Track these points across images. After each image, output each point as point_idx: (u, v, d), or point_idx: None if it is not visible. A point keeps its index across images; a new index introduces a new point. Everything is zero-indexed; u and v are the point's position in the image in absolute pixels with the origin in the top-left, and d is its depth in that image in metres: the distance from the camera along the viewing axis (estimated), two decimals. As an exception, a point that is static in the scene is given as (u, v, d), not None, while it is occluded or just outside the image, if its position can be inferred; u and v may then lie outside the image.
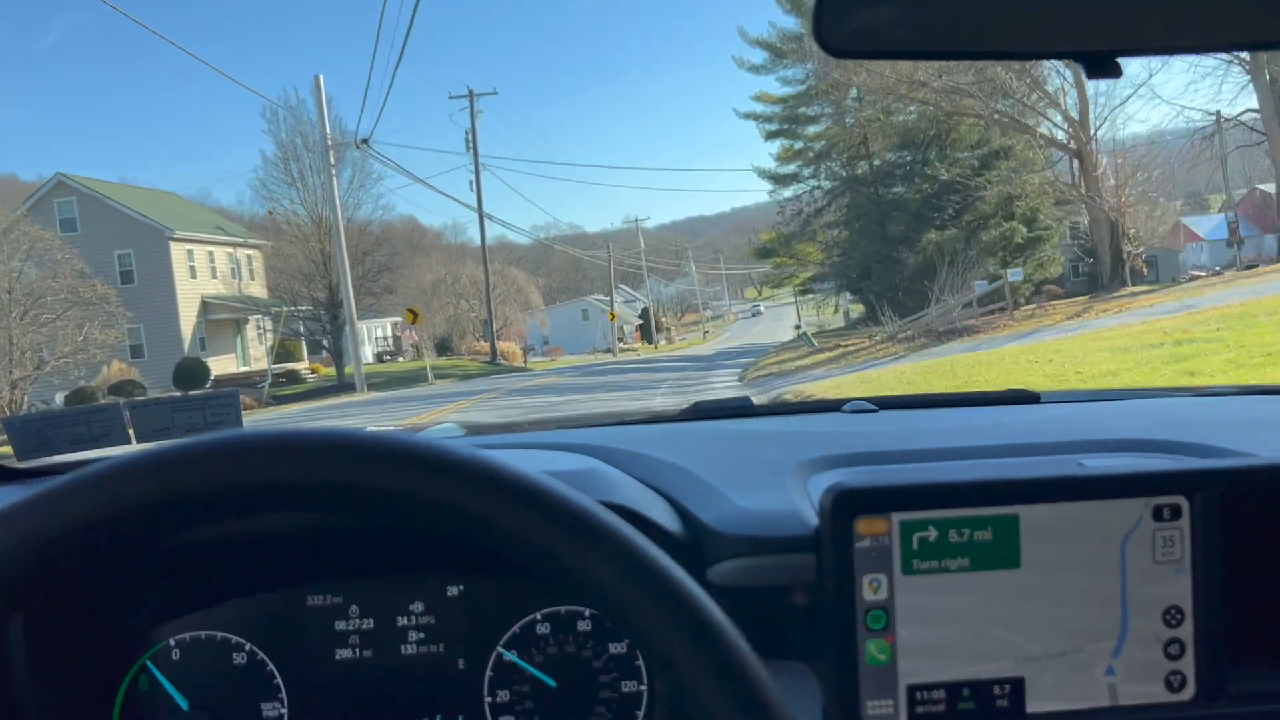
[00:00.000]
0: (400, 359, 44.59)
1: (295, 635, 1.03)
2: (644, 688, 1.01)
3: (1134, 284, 29.30)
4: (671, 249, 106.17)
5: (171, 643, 1.02)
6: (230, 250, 40.35)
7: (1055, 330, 18.53)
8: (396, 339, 48.43)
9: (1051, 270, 31.88)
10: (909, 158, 33.95)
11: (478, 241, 43.90)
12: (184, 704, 1.00)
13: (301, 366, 38.11)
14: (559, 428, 1.57)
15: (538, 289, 66.38)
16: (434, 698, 1.02)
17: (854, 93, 35.49)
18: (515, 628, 1.02)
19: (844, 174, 37.31)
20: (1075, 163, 31.17)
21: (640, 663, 1.02)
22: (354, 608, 1.03)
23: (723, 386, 19.67)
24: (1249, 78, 28.42)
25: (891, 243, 32.36)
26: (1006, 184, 30.84)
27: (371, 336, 47.64)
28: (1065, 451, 1.11)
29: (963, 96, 29.62)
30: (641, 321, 71.65)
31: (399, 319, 41.01)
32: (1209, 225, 47.19)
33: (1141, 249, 31.83)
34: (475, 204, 41.71)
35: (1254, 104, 28.60)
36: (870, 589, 0.82)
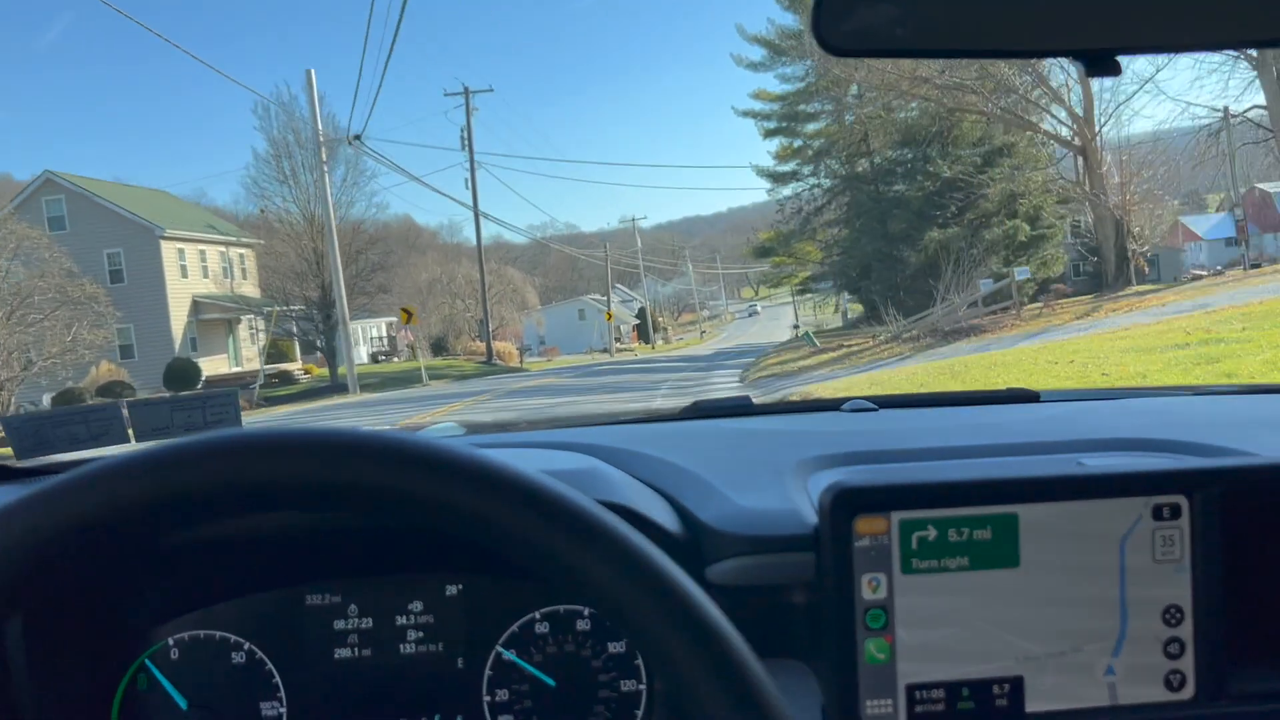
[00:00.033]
0: (395, 359, 44.23)
1: (294, 634, 1.02)
2: (643, 687, 1.01)
3: (1138, 283, 29.01)
4: (668, 249, 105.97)
5: (170, 642, 1.02)
6: (222, 249, 39.87)
7: (1064, 330, 18.21)
8: (392, 339, 48.06)
9: (1054, 269, 31.61)
10: (910, 155, 33.68)
11: (474, 241, 43.52)
12: (183, 703, 1.01)
13: (295, 367, 37.73)
14: (558, 426, 1.56)
15: (534, 289, 65.94)
16: (433, 697, 1.02)
17: (854, 89, 35.19)
18: (514, 627, 1.02)
19: (844, 172, 37.06)
20: (1079, 160, 30.88)
21: (639, 662, 1.01)
22: (353, 607, 1.03)
23: (724, 388, 19.29)
24: (1255, 73, 28.11)
25: (893, 241, 32.06)
26: (1009, 181, 30.55)
27: (366, 336, 47.28)
28: (1065, 450, 1.10)
29: (965, 93, 29.34)
30: (638, 321, 71.45)
31: (394, 319, 40.55)
32: (1207, 225, 47.05)
33: (1147, 247, 31.54)
34: (471, 202, 41.36)
35: (1261, 100, 28.28)
36: (869, 588, 0.82)
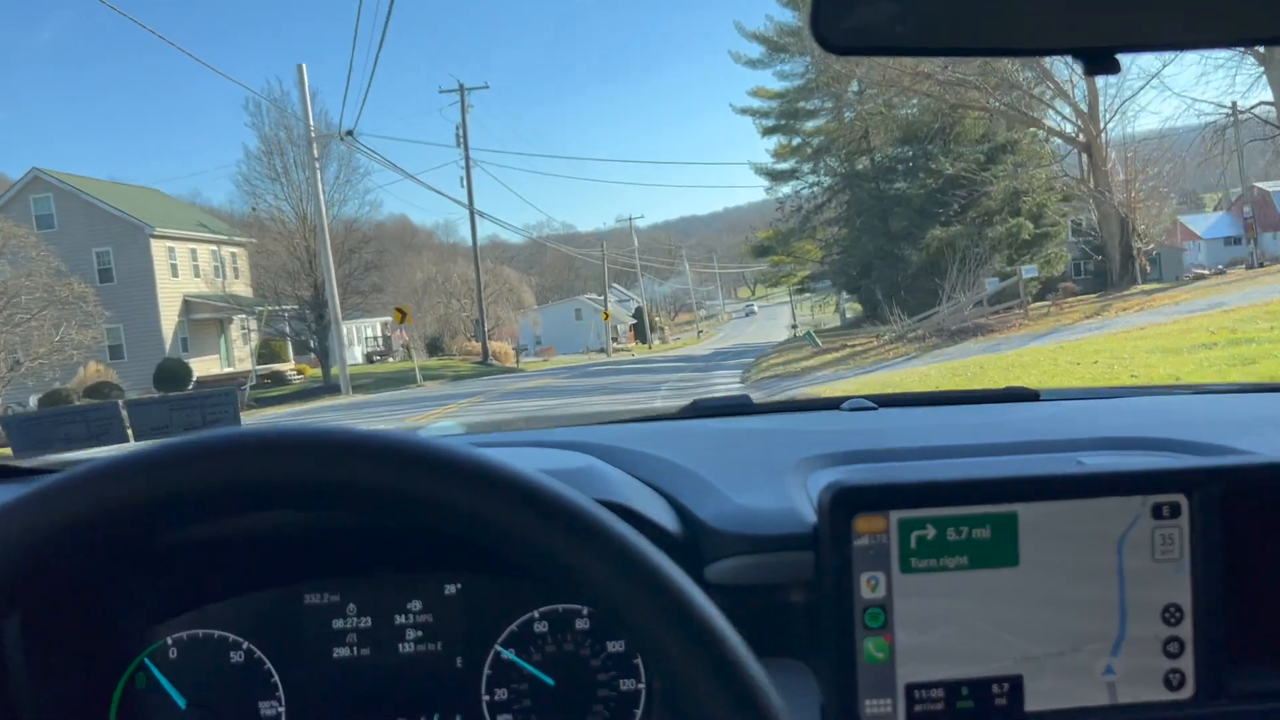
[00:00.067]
0: (390, 359, 43.74)
1: (293, 634, 1.02)
2: (642, 686, 1.01)
3: (1142, 282, 28.67)
4: (665, 248, 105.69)
5: (169, 641, 1.02)
6: (214, 248, 39.34)
7: (1075, 329, 17.81)
8: (386, 339, 47.61)
9: (1056, 268, 31.28)
10: (911, 152, 33.32)
11: (470, 240, 43.06)
12: (182, 702, 1.01)
13: (287, 367, 37.27)
14: (556, 426, 1.57)
15: (530, 288, 65.63)
16: (432, 696, 1.02)
17: (855, 86, 34.85)
18: (513, 626, 1.02)
19: (844, 170, 36.73)
20: (1084, 157, 30.54)
21: (638, 661, 1.01)
22: (351, 606, 1.03)
23: (726, 390, 18.81)
24: (1262, 69, 27.78)
25: (894, 240, 31.74)
26: (1012, 179, 30.19)
27: (361, 336, 46.85)
28: (1064, 449, 1.10)
29: (968, 89, 28.97)
30: (635, 321, 71.12)
31: (389, 319, 40.12)
32: (1206, 224, 46.94)
33: (1152, 246, 31.20)
34: (466, 201, 40.90)
35: (1268, 96, 27.92)
36: (868, 587, 0.82)
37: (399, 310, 32.98)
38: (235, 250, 40.18)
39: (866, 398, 1.57)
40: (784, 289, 58.40)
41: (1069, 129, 30.74)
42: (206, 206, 49.18)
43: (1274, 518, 0.88)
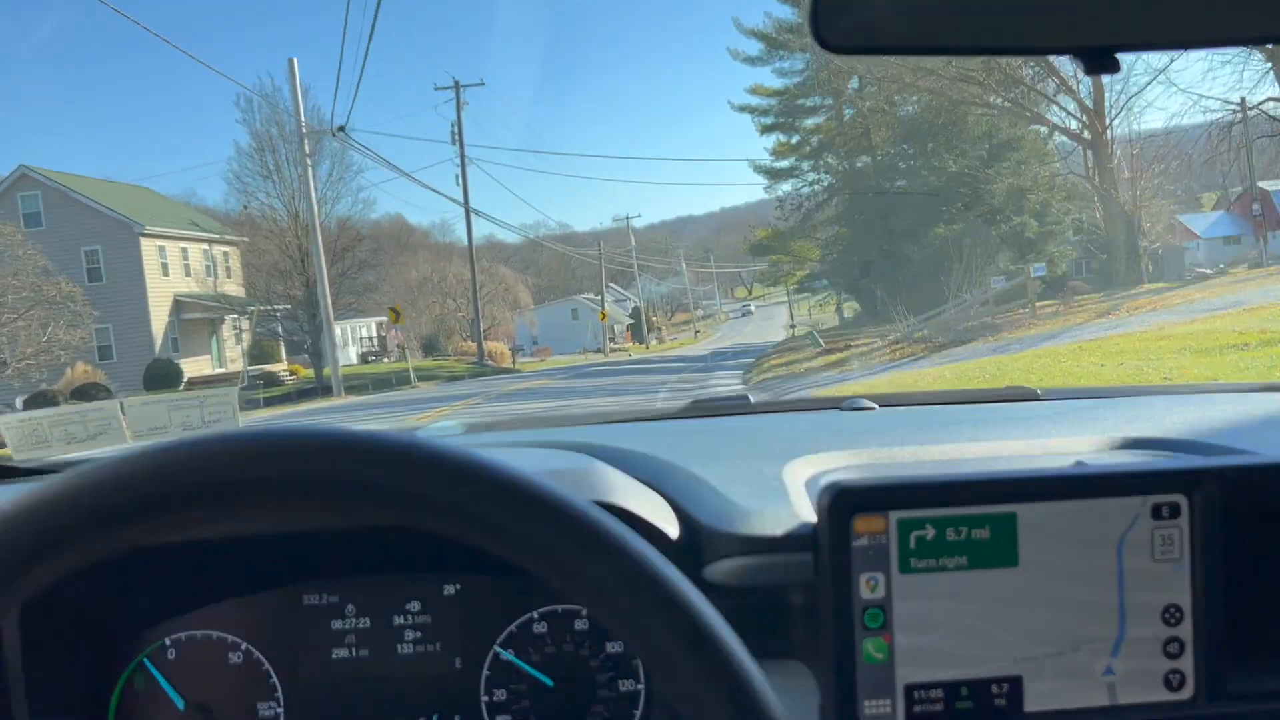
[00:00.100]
0: (386, 360, 43.23)
1: (291, 635, 1.03)
2: (641, 686, 1.01)
3: (1147, 281, 28.31)
4: (661, 248, 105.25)
5: (167, 642, 1.02)
6: (205, 247, 38.78)
7: (1087, 329, 17.35)
8: (381, 339, 47.13)
9: (1060, 267, 30.89)
10: (913, 150, 32.92)
11: (466, 240, 42.54)
12: (180, 703, 1.01)
13: (280, 368, 36.77)
14: (555, 425, 1.55)
15: (526, 288, 65.10)
16: (431, 697, 1.02)
17: (855, 83, 34.47)
18: (512, 627, 1.02)
19: (844, 167, 36.33)
20: (1089, 154, 30.17)
21: (638, 662, 1.01)
22: (350, 607, 1.03)
23: (728, 392, 18.34)
24: (1269, 65, 27.42)
25: (895, 238, 31.36)
26: (1016, 176, 29.80)
27: (356, 337, 46.37)
28: (1064, 449, 1.10)
29: (971, 84, 28.58)
30: (632, 321, 70.75)
31: (384, 319, 39.62)
32: (1204, 223, 46.68)
33: (1158, 244, 30.84)
34: (462, 199, 40.43)
35: (1275, 92, 27.57)
36: (867, 588, 0.82)
37: (392, 310, 32.60)
38: (227, 249, 39.61)
39: (867, 397, 1.56)
40: (781, 289, 58.15)
41: (1074, 125, 30.38)
42: (201, 206, 48.50)
43: (1274, 518, 0.87)
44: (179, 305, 36.11)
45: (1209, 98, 45.76)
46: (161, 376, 31.23)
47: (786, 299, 64.96)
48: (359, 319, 45.73)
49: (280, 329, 35.96)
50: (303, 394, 29.94)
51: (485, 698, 1.01)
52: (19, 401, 27.90)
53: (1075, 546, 0.82)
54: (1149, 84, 37.10)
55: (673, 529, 0.94)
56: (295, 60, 28.15)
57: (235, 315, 37.54)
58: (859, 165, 35.71)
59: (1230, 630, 0.83)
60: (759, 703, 0.51)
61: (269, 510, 0.52)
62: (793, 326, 54.93)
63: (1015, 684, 0.83)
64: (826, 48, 0.72)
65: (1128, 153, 29.77)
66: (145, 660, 1.01)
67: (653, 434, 1.36)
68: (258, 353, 36.76)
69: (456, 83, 41.25)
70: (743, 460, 1.13)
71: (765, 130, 38.70)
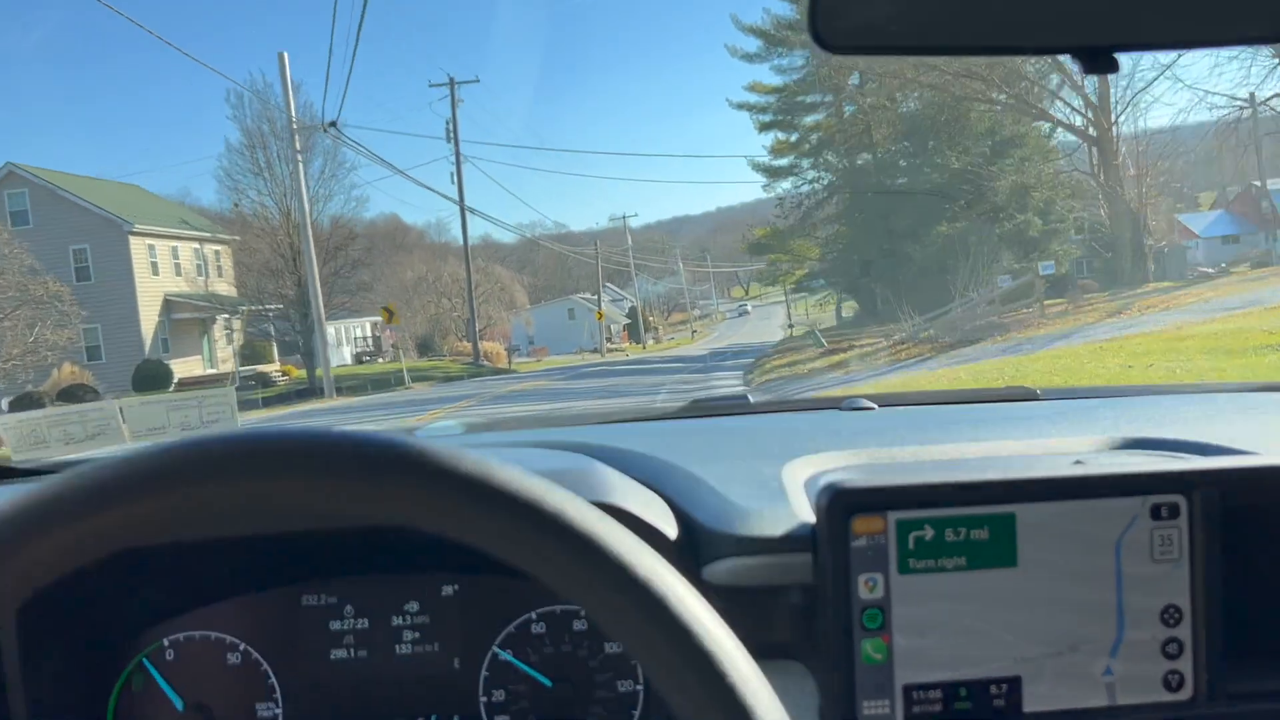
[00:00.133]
0: (380, 360, 42.72)
1: (290, 635, 1.03)
2: (640, 687, 1.02)
3: (1154, 280, 27.90)
4: (658, 248, 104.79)
5: (166, 642, 1.03)
6: (196, 245, 38.16)
7: (1099, 329, 16.93)
8: (376, 339, 46.62)
9: (1063, 266, 30.48)
10: (914, 147, 32.48)
11: (461, 239, 42.02)
12: (179, 704, 1.01)
13: (272, 369, 36.23)
14: (554, 425, 1.55)
15: (523, 287, 64.51)
16: (429, 697, 1.02)
17: (855, 79, 34.02)
18: (511, 627, 1.02)
19: (844, 165, 35.89)
20: (1093, 151, 29.74)
21: (636, 662, 1.00)
22: (349, 607, 1.03)
23: (729, 393, 17.88)
24: (1277, 60, 27.01)
25: (896, 237, 30.91)
26: (1019, 174, 29.37)
27: (350, 337, 45.83)
28: (1063, 450, 1.10)
29: (975, 80, 28.14)
30: (629, 321, 70.32)
31: (378, 319, 39.04)
32: (1203, 222, 46.43)
33: (1164, 242, 30.44)
34: (457, 197, 39.91)
35: (1284, 88, 27.13)
36: (866, 588, 0.82)
37: (386, 310, 32.09)
38: (218, 248, 39.03)
39: (866, 397, 1.56)
40: (778, 289, 57.75)
41: (1079, 121, 29.94)
42: (196, 205, 47.86)
43: (1273, 518, 0.87)
44: (169, 305, 35.52)
45: (1216, 93, 45.30)
46: (151, 377, 30.69)
47: (784, 299, 64.59)
48: (353, 319, 45.20)
49: (272, 329, 35.38)
50: (293, 395, 29.41)
51: (484, 698, 1.01)
52: (4, 403, 27.38)
53: (1074, 547, 0.82)
54: (1156, 79, 36.65)
55: (671, 529, 0.94)
56: (286, 54, 27.63)
57: (227, 315, 36.96)
58: (859, 163, 35.29)
59: (1229, 631, 0.83)
60: (758, 703, 0.51)
61: (256, 517, 0.50)
62: (790, 326, 54.54)
63: (1014, 685, 0.83)
64: (825, 48, 0.71)
65: (1133, 149, 29.35)
66: (144, 660, 1.01)
67: (651, 434, 1.37)
68: (249, 353, 36.20)
69: (451, 79, 40.74)
70: (741, 460, 1.11)
71: (764, 128, 38.31)
